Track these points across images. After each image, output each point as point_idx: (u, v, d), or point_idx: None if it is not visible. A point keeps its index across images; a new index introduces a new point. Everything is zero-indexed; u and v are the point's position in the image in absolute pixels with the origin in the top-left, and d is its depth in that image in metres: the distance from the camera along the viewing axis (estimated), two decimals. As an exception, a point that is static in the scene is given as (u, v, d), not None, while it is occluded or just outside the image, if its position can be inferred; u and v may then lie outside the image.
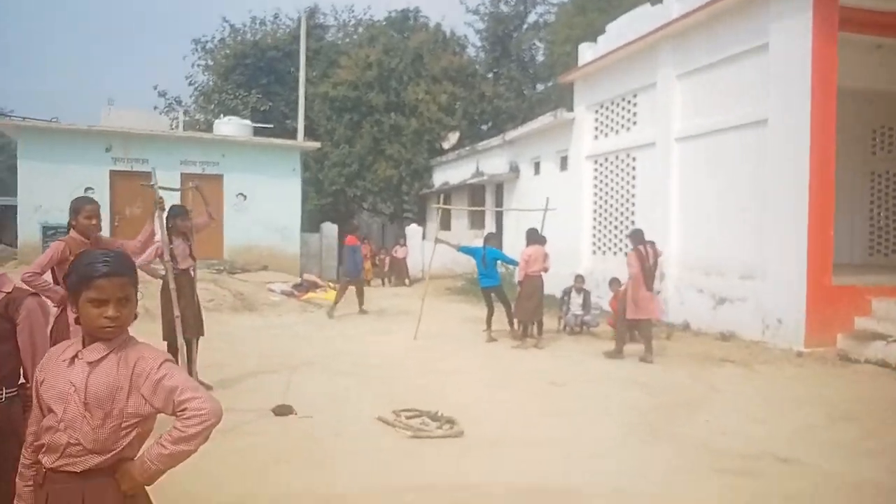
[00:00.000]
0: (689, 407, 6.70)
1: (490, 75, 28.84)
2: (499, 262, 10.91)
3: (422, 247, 21.63)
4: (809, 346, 9.53)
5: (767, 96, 10.37)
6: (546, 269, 10.19)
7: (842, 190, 17.15)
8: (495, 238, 11.03)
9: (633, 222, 13.96)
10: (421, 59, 27.12)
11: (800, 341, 9.60)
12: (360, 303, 13.93)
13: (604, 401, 6.92)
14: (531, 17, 29.17)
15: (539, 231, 10.58)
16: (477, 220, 22.98)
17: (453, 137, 25.43)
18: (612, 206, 14.71)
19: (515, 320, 10.42)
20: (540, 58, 29.29)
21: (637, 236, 9.54)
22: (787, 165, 9.94)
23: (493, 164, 20.64)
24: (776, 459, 5.15)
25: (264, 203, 18.88)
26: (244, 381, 7.55)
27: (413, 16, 29.37)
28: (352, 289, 13.83)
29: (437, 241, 11.64)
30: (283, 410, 6.29)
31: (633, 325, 9.54)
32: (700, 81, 12.01)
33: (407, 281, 21.26)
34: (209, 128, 22.87)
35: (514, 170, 19.37)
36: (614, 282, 11.10)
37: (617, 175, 14.50)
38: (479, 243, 18.86)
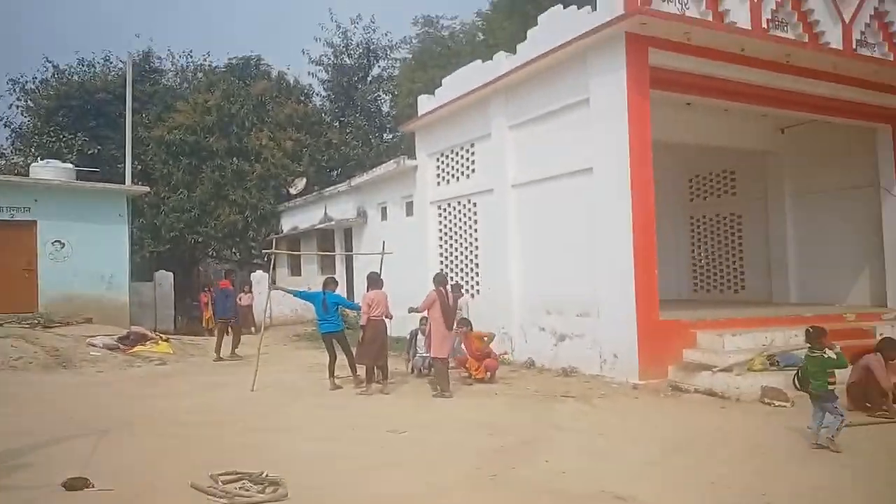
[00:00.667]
0: (530, 447, 6.55)
1: (336, 124, 28.68)
2: (340, 307, 10.43)
3: (268, 294, 20.55)
4: (644, 378, 9.88)
5: (591, 146, 10.90)
6: (388, 316, 9.90)
7: (667, 233, 18.61)
8: (334, 282, 10.55)
9: (476, 265, 14.10)
10: (264, 106, 26.55)
11: (634, 374, 9.94)
12: (234, 345, 14.11)
13: (443, 447, 6.61)
14: (374, 70, 29.57)
15: (379, 275, 10.29)
16: (327, 266, 22.39)
17: (301, 183, 24.84)
18: (457, 249, 14.79)
19: (358, 366, 9.95)
20: (385, 108, 29.65)
21: (439, 279, 10.04)
22: (612, 210, 10.43)
23: (342, 209, 20.29)
24: (614, 498, 5.06)
25: (87, 250, 17.19)
26: (42, 449, 6.48)
27: (255, 63, 28.71)
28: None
29: (271, 287, 11.00)
30: (75, 484, 5.37)
31: (434, 362, 9.86)
32: (531, 132, 12.48)
33: (253, 329, 20.06)
34: (28, 172, 20.69)
35: (362, 215, 19.11)
36: (463, 322, 10.99)
37: (460, 220, 14.65)
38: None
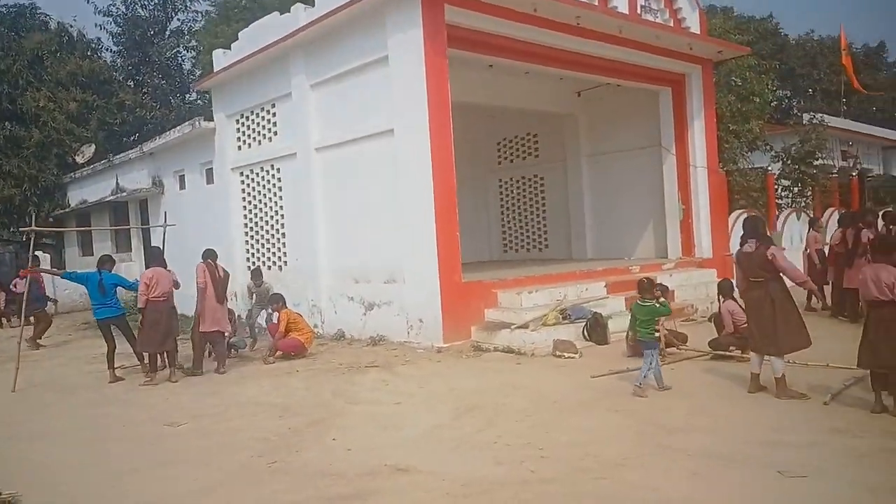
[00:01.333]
0: (320, 426, 6.24)
1: (130, 83, 26.00)
2: (120, 287, 9.37)
3: (26, 279, 18.32)
4: (448, 341, 9.94)
5: (392, 107, 10.64)
6: (176, 286, 9.11)
7: (477, 196, 19.13)
8: (111, 261, 9.44)
9: (283, 235, 13.43)
10: (41, 62, 23.39)
11: (439, 338, 9.97)
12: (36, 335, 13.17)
13: (226, 437, 6.11)
14: (173, 23, 27.03)
15: (161, 250, 9.37)
16: (123, 243, 20.42)
17: (88, 151, 22.30)
18: (262, 218, 13.98)
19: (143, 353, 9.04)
20: (187, 66, 27.32)
21: (209, 253, 9.61)
22: (414, 173, 10.28)
23: (135, 178, 18.46)
24: (394, 471, 4.90)
25: None
26: None
27: (29, 12, 25.12)
28: None
29: (32, 269, 9.62)
30: None
31: (207, 338, 9.43)
32: (333, 91, 11.94)
33: (32, 318, 17.77)
34: None
35: (158, 184, 17.50)
36: (274, 299, 10.41)
37: (264, 186, 13.83)
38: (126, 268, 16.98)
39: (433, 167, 10.05)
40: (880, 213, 11.07)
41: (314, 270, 12.35)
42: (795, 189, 18.09)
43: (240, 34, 14.34)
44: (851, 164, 25.06)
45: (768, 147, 18.14)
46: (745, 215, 15.80)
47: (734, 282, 7.46)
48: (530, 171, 18.24)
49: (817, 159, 18.08)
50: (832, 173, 23.16)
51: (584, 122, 16.78)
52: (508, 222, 18.91)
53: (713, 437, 5.35)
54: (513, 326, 9.84)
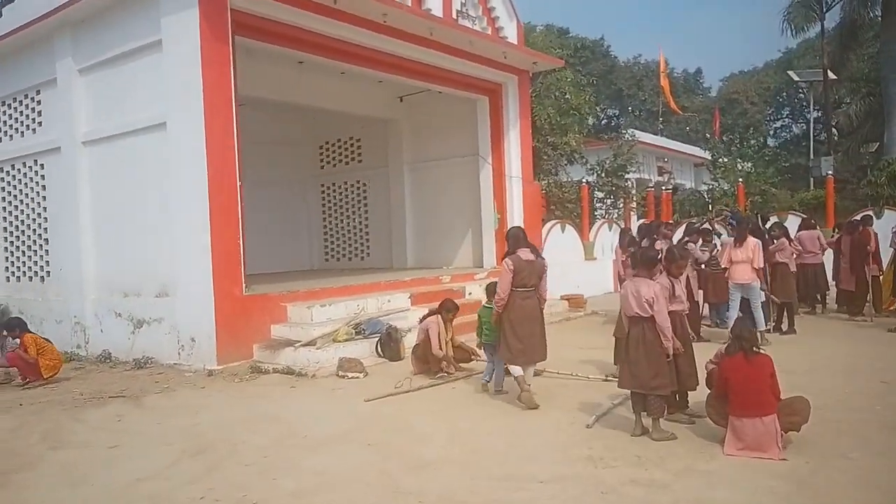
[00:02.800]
0: (-5, 483, 4.92)
1: None
2: None
3: None
4: (223, 362, 8.80)
5: (166, 97, 9.36)
6: None
7: (298, 201, 18.04)
8: None
9: (46, 241, 11.57)
10: None
11: (212, 359, 8.80)
12: None
13: None
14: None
15: None
16: None
17: None
18: (23, 222, 11.99)
19: None
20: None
21: None
22: (188, 173, 9.06)
23: None
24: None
25: None
26: None
27: None
28: None
29: None
30: None
31: None
32: (104, 78, 10.39)
33: None
34: None
35: None
36: (12, 324, 8.77)
37: (25, 185, 11.88)
38: None
39: (209, 167, 8.88)
40: (767, 227, 11.18)
41: (79, 282, 10.66)
42: (608, 201, 18.66)
43: (3, 10, 12.30)
44: (666, 179, 26.59)
45: (584, 160, 18.59)
46: (556, 225, 16.04)
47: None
48: (353, 176, 17.43)
49: (628, 172, 18.76)
50: (648, 187, 24.42)
51: (406, 128, 16.23)
52: (331, 230, 17.97)
53: (458, 473, 4.71)
54: (297, 344, 8.90)
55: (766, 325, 9.78)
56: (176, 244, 9.31)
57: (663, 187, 25.98)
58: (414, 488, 4.47)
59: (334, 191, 17.82)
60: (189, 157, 9.03)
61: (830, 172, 15.80)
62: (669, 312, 5.65)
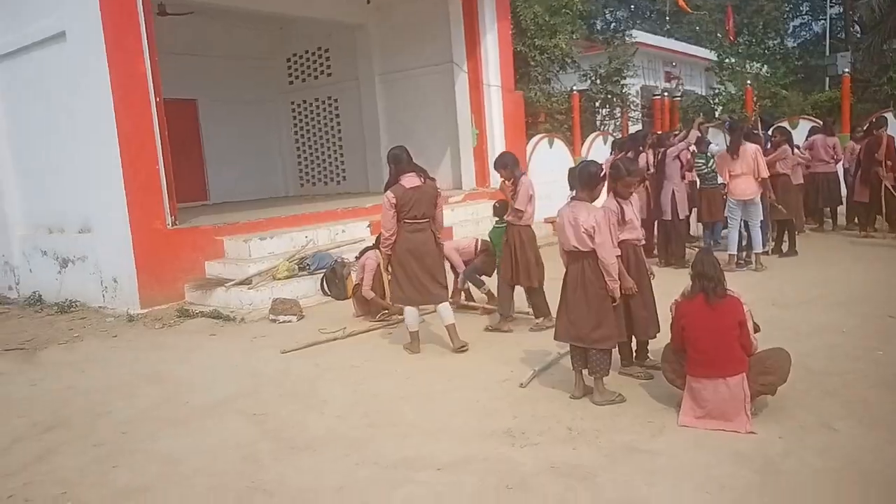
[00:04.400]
0: None
1: None
2: None
3: None
4: (148, 305, 7.91)
5: (63, 4, 8.06)
6: None
7: (269, 122, 16.75)
8: None
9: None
10: None
11: (135, 302, 7.89)
12: None
13: None
14: None
15: None
16: None
17: None
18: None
19: None
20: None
21: None
22: (92, 92, 7.87)
23: None
24: None
25: None
26: None
27: None
28: None
29: None
30: None
31: None
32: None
33: None
34: None
35: None
36: None
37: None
38: None
39: (112, 83, 7.68)
40: (770, 130, 9.75)
41: (3, 218, 9.70)
42: (604, 111, 17.15)
43: None
44: (674, 86, 24.76)
45: (577, 66, 16.94)
46: (543, 140, 14.70)
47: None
48: (324, 92, 16.02)
49: (625, 77, 17.14)
50: (655, 94, 22.69)
51: (376, 35, 14.68)
52: (304, 153, 16.74)
53: (341, 457, 3.78)
54: (228, 284, 7.94)
55: (764, 248, 8.67)
56: (90, 173, 8.26)
57: (671, 94, 24.25)
58: (274, 480, 3.54)
59: (305, 109, 16.48)
60: (91, 72, 7.83)
61: (847, 70, 14.17)
62: (620, 243, 4.55)
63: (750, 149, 8.07)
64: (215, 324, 7.29)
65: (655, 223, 9.11)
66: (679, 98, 20.10)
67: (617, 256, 4.45)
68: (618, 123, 17.29)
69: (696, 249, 9.19)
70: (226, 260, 8.58)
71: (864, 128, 10.36)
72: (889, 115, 12.47)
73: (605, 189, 4.66)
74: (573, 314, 4.32)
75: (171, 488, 3.54)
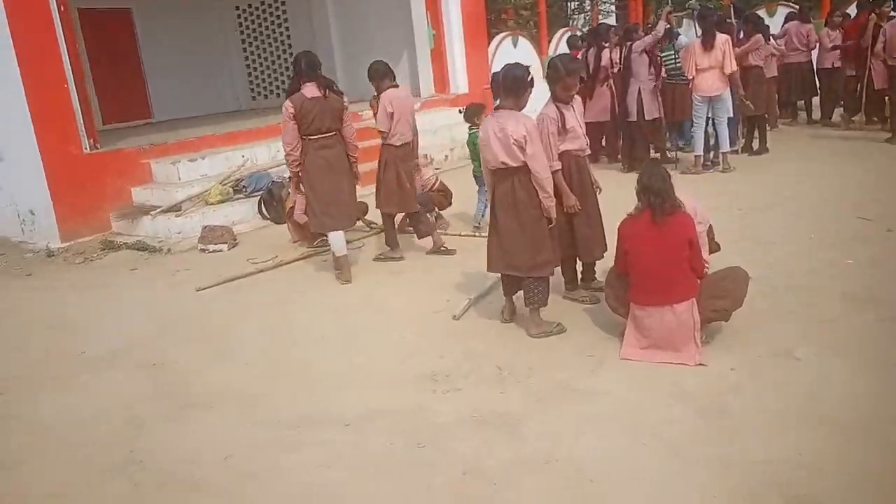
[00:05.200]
0: None
1: None
2: None
3: None
4: (69, 238, 7.27)
5: None
6: None
7: (213, 30, 15.51)
8: None
9: None
10: None
11: (55, 235, 7.25)
12: None
13: None
14: None
15: None
16: None
17: None
18: None
19: None
20: None
21: None
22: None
23: None
24: None
25: None
26: None
27: None
28: None
29: None
30: None
31: None
32: None
33: None
34: None
35: None
36: None
37: None
38: None
39: (0, -9, 6.72)
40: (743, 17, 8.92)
41: None
42: (573, 4, 16.02)
43: None
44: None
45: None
46: (507, 38, 13.73)
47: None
48: (270, -5, 14.77)
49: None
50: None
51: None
52: (254, 62, 15.61)
53: (235, 416, 3.31)
54: (154, 212, 7.30)
55: (733, 146, 8.12)
56: (-8, 94, 7.40)
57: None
58: (153, 449, 3.07)
59: (251, 14, 15.23)
60: (-24, -24, 6.83)
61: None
62: (561, 155, 3.97)
63: (720, 39, 7.35)
64: (139, 256, 6.70)
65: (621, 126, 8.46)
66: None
67: (557, 171, 3.89)
68: (587, 18, 16.20)
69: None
70: (154, 185, 7.88)
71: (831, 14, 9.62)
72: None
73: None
74: (505, 240, 3.78)
75: (33, 462, 3.07)
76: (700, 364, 3.29)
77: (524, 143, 3.60)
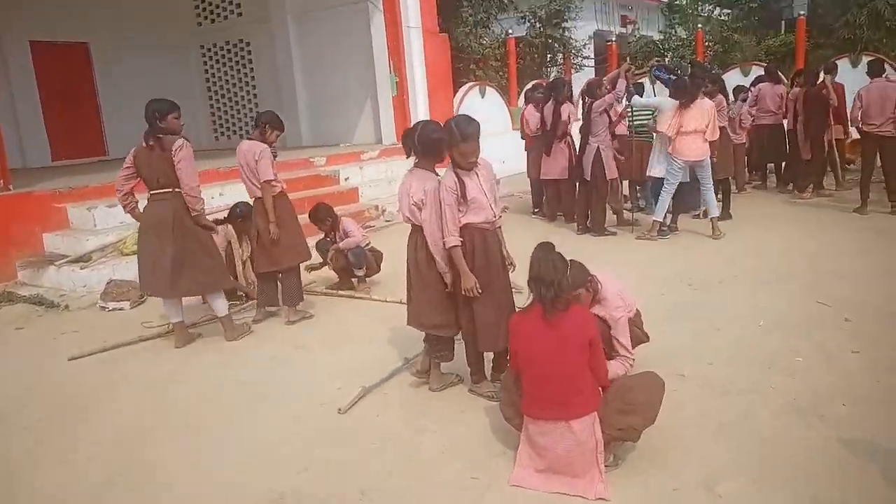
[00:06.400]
0: None
1: None
2: None
3: None
4: (-30, 287, 6.62)
5: None
6: None
7: (179, 67, 15.12)
8: None
9: None
10: None
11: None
12: None
13: None
14: None
15: None
16: None
17: None
18: None
19: None
20: None
21: None
22: None
23: None
24: None
25: None
26: None
27: None
28: None
29: None
30: None
31: None
32: None
33: None
34: None
35: None
36: None
37: None
38: None
39: None
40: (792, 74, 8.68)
41: None
42: (547, 56, 15.79)
43: None
44: (630, 31, 23.38)
45: (514, 6, 15.46)
46: (475, 88, 13.41)
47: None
48: (235, 33, 14.43)
49: (566, 21, 15.73)
50: (609, 40, 21.37)
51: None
52: (217, 101, 15.21)
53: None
54: (59, 262, 6.69)
55: (695, 211, 7.72)
56: None
57: (628, 40, 22.85)
58: None
59: (217, 54, 14.89)
60: None
61: (803, 13, 13.01)
62: (464, 228, 3.43)
63: (707, 104, 6.94)
64: (34, 312, 6.06)
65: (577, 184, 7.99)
66: (630, 43, 18.83)
67: (455, 247, 3.38)
68: (560, 71, 15.96)
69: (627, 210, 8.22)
70: (67, 231, 7.28)
71: (798, 74, 9.34)
72: (845, 61, 11.45)
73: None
74: (412, 294, 3.64)
75: None
76: (600, 498, 2.68)
77: (421, 206, 3.24)
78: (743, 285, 5.44)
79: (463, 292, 3.41)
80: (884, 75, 7.85)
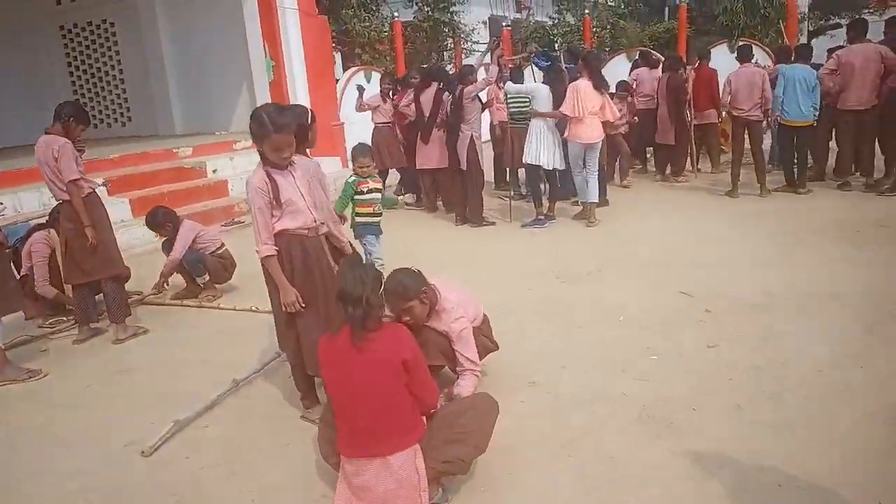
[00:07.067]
0: None
1: None
2: None
3: None
4: None
5: None
6: None
7: (37, 52, 13.78)
8: None
9: None
10: None
11: None
12: None
13: None
14: None
15: None
16: None
17: None
18: None
19: None
20: None
21: None
22: None
23: None
24: None
25: None
26: None
27: None
28: None
29: None
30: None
31: None
32: None
33: None
34: None
35: None
36: None
37: None
38: None
39: None
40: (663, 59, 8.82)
41: None
42: (436, 41, 15.45)
43: None
44: (525, 16, 23.39)
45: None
46: (360, 73, 12.89)
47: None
48: (98, 13, 13.23)
49: (454, 5, 15.43)
50: (505, 25, 21.24)
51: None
52: (82, 88, 13.97)
53: None
54: None
55: (573, 198, 7.58)
56: None
57: (522, 25, 22.81)
58: None
59: (79, 35, 13.63)
60: None
61: (686, 1, 13.27)
62: (279, 235, 3.04)
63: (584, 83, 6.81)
64: None
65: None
66: (523, 28, 18.77)
67: (270, 257, 2.95)
68: (451, 56, 15.66)
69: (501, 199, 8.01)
70: None
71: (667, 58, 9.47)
72: (723, 47, 11.71)
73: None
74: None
75: None
76: (422, 545, 2.36)
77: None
78: (610, 277, 5.29)
79: (283, 308, 3.00)
80: (753, 61, 7.97)
